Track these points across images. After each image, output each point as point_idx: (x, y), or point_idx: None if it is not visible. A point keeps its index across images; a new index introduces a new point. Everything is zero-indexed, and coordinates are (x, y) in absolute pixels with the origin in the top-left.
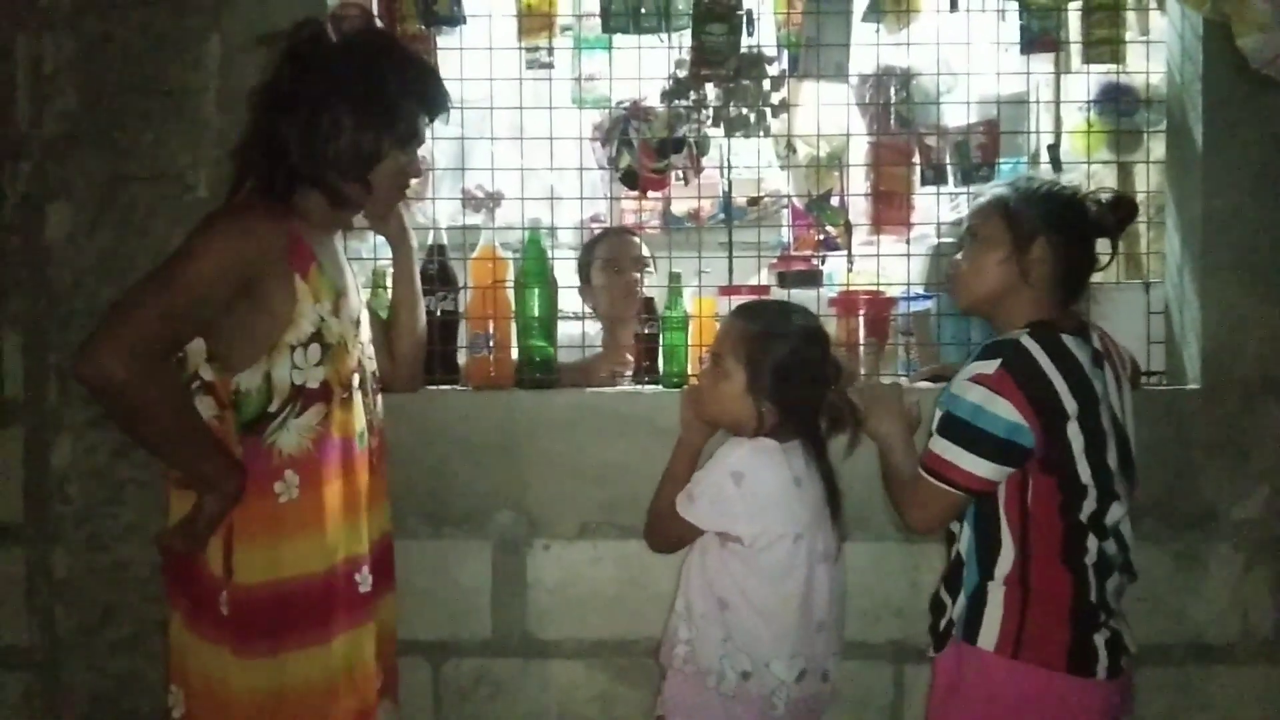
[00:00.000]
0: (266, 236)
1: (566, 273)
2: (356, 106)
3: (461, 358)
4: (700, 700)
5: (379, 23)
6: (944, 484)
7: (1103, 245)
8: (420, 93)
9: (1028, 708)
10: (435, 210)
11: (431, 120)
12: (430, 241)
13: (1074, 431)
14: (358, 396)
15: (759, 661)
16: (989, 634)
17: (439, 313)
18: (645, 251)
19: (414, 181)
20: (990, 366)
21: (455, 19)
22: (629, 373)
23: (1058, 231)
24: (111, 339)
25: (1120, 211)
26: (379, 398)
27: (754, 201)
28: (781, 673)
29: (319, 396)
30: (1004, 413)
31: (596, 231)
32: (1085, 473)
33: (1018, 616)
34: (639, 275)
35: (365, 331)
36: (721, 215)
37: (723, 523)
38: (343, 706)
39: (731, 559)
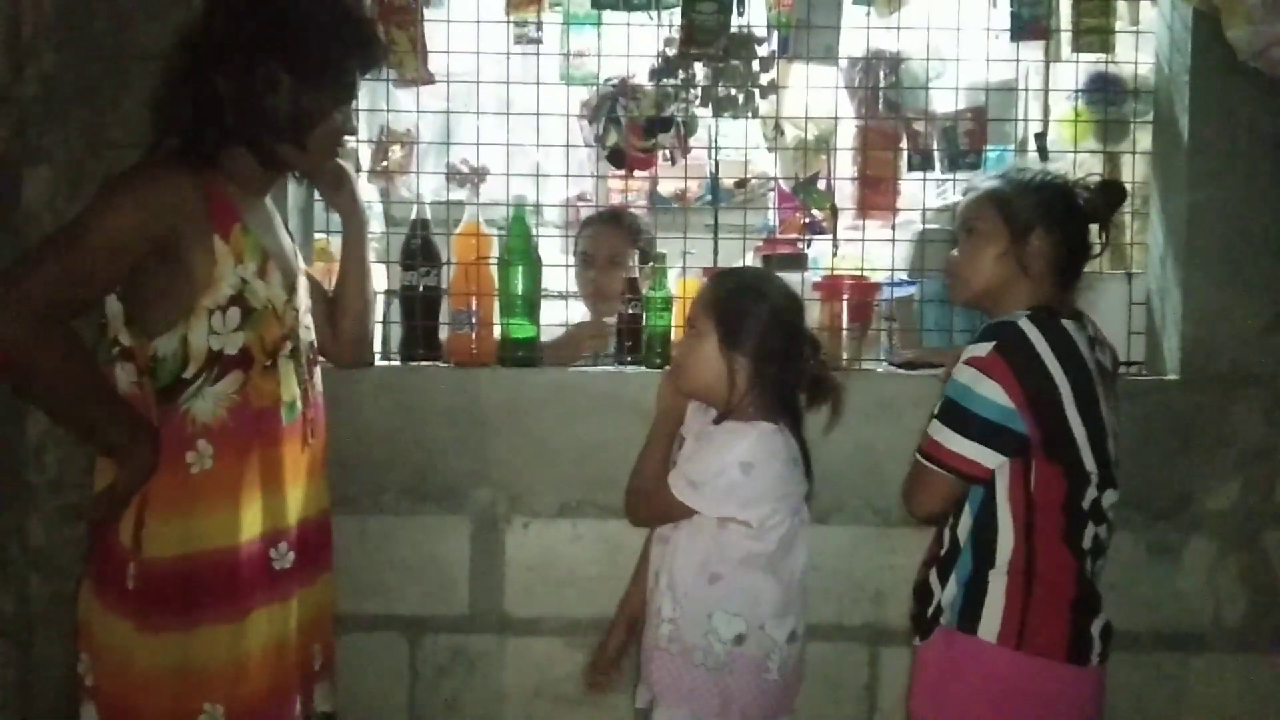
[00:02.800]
0: (182, 195)
1: (551, 251)
2: (297, 63)
3: (443, 334)
4: (689, 678)
5: None
6: (937, 467)
7: (1092, 231)
8: (361, 48)
9: (1029, 698)
10: (419, 184)
11: (365, 75)
12: (414, 216)
13: (1075, 419)
14: (288, 365)
15: (754, 624)
16: (990, 624)
17: (421, 288)
18: (642, 230)
19: (347, 140)
20: (984, 349)
21: None
22: (609, 348)
23: (1054, 221)
24: (5, 299)
25: (1109, 196)
26: (316, 369)
27: (741, 183)
28: (776, 633)
29: (237, 363)
30: (992, 395)
31: (583, 210)
32: (1089, 461)
33: (1020, 607)
34: (616, 270)
35: (303, 299)
36: (708, 196)
37: (729, 510)
38: (253, 685)
39: (732, 536)
